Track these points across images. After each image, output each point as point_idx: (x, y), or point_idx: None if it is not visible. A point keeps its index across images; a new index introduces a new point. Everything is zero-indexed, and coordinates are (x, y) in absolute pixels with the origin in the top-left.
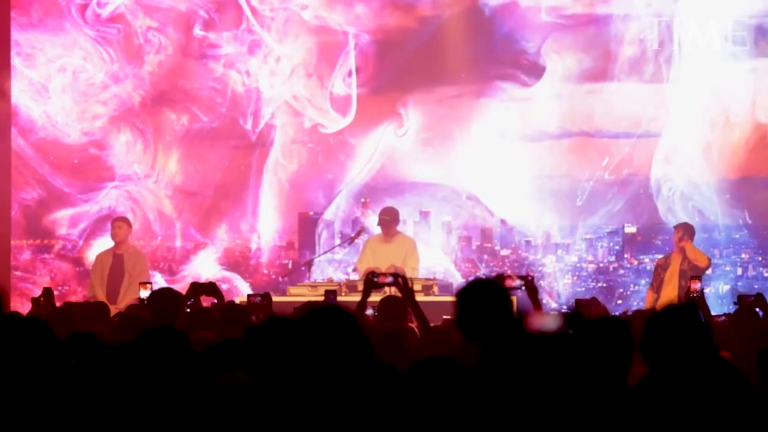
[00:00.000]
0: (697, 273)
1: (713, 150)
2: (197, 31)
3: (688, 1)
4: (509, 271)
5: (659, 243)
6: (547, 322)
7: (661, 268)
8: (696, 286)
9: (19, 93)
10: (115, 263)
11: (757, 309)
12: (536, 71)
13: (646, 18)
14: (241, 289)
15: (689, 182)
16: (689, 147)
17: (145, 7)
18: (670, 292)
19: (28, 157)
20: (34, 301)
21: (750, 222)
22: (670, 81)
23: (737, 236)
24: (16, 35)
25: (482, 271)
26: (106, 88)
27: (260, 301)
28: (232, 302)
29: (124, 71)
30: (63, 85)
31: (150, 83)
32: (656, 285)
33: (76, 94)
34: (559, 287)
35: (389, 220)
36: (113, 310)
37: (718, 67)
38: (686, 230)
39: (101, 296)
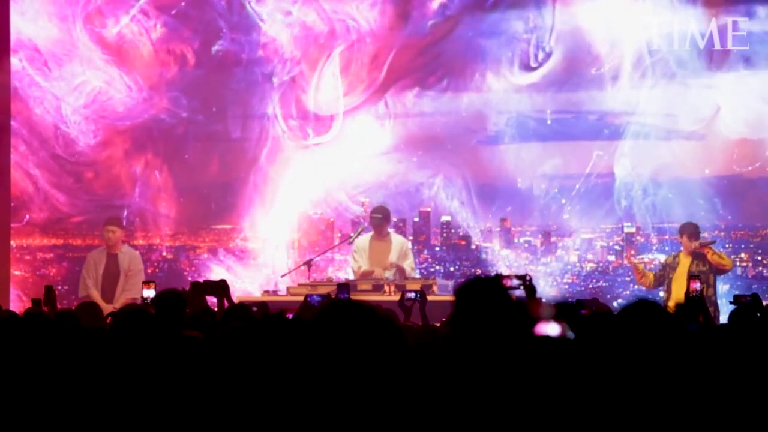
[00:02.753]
0: (719, 274)
1: (707, 151)
2: (216, 47)
3: (663, 14)
4: (507, 271)
5: (659, 243)
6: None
7: (669, 268)
8: (695, 285)
9: (27, 101)
10: (110, 263)
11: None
12: (528, 72)
13: (625, 28)
14: (240, 290)
15: (686, 183)
16: (681, 148)
17: (153, 19)
18: (679, 294)
19: (37, 165)
20: (34, 302)
21: (748, 223)
22: (650, 87)
23: (737, 236)
24: (39, 43)
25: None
26: (121, 103)
27: (257, 311)
28: (240, 303)
29: (138, 87)
30: (77, 102)
31: (159, 94)
32: (664, 283)
33: (89, 110)
34: (559, 287)
35: (382, 218)
36: (109, 310)
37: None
38: (695, 233)
39: (96, 296)
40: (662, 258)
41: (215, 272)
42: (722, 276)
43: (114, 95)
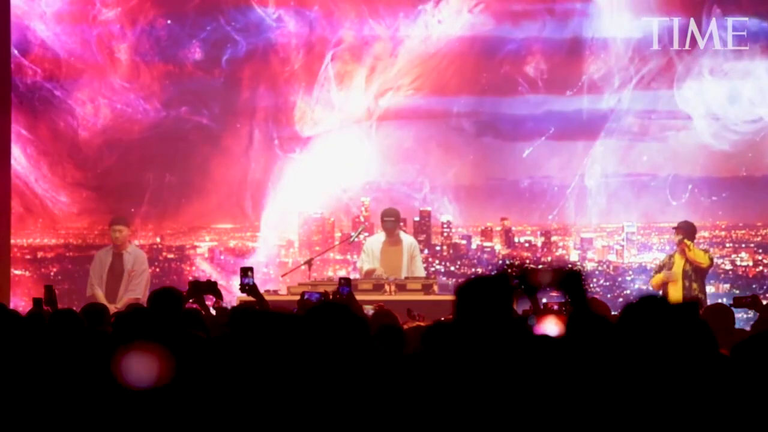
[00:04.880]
0: (701, 273)
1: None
2: (225, 57)
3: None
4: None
5: (660, 242)
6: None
7: (665, 268)
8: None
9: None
10: (115, 262)
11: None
12: (526, 73)
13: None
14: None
15: (685, 182)
16: (681, 147)
17: (160, 30)
18: (674, 293)
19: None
20: (35, 301)
21: (748, 222)
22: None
23: (737, 235)
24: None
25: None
26: (134, 121)
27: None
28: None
29: (149, 99)
30: (92, 120)
31: (166, 101)
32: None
33: (103, 127)
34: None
35: (395, 221)
36: (112, 310)
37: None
38: (686, 231)
39: (100, 295)
40: (662, 257)
41: (214, 272)
42: (722, 276)
43: (127, 111)
